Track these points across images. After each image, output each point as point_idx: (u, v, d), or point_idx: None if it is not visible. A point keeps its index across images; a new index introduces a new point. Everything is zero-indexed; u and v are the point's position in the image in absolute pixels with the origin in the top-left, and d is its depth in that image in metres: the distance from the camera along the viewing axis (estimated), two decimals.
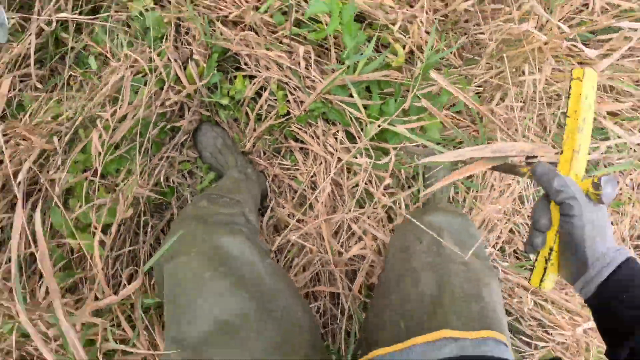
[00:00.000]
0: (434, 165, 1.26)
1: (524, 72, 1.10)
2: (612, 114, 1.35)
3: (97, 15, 1.09)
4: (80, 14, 1.12)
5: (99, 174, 0.91)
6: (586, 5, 1.04)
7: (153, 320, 0.79)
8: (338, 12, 0.84)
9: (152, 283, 0.90)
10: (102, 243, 0.84)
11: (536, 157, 0.57)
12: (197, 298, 0.58)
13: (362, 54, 0.89)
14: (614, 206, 1.54)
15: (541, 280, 0.50)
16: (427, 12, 0.99)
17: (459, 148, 1.16)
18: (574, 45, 0.93)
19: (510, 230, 1.34)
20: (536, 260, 0.51)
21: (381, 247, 1.02)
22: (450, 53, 1.04)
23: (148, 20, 1.07)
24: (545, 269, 0.49)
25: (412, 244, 0.76)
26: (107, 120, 0.94)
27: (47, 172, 0.90)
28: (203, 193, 0.87)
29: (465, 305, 0.62)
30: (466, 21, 1.15)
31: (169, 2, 1.08)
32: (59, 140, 0.94)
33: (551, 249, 0.48)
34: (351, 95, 0.99)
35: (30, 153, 0.84)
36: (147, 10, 1.09)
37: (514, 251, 1.33)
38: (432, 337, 0.57)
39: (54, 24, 1.05)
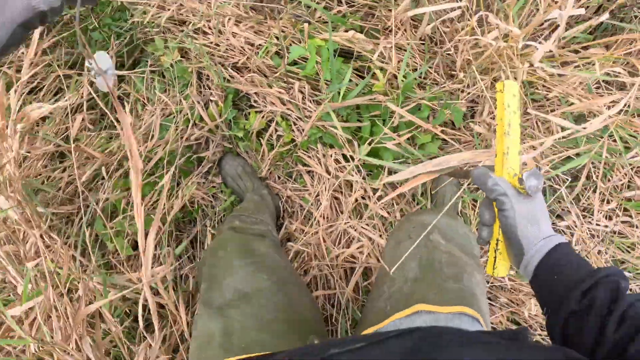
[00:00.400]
0: (441, 182, 1.34)
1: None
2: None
3: (136, 70, 1.33)
4: (123, 66, 1.37)
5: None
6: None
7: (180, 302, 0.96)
8: (315, 54, 1.00)
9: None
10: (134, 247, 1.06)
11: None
12: (226, 277, 0.76)
13: (343, 83, 1.03)
14: None
15: (493, 268, 0.57)
16: (408, 38, 1.11)
17: None
18: (528, 46, 1.00)
19: None
20: (488, 250, 0.58)
21: (377, 254, 1.12)
22: (433, 71, 1.15)
23: (176, 70, 1.29)
24: (495, 257, 0.57)
25: (403, 240, 0.84)
26: (141, 152, 1.15)
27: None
28: (233, 214, 1.06)
29: (443, 283, 0.68)
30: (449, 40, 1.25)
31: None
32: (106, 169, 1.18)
33: (498, 240, 0.56)
34: (344, 120, 1.13)
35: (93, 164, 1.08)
36: (175, 62, 1.31)
37: None
38: (408, 311, 0.63)
39: None
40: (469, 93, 1.13)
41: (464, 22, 1.11)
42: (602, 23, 1.34)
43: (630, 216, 1.55)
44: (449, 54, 1.14)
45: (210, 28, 1.24)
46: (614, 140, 1.42)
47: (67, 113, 1.27)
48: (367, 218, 1.15)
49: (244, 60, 1.18)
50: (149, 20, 1.27)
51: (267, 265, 0.80)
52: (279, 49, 1.13)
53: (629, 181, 1.51)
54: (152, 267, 0.81)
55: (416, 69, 1.13)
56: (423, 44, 1.16)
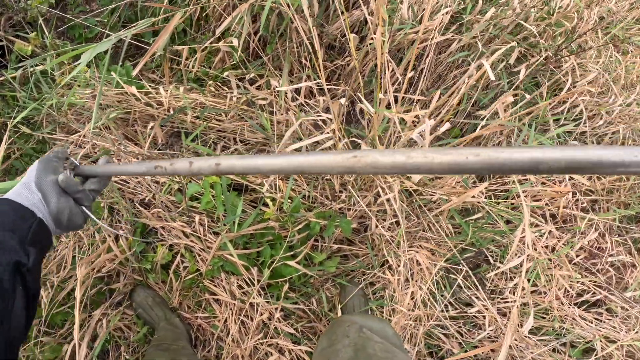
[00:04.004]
0: (348, 294, 1.40)
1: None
2: None
3: None
4: None
5: (46, 323, 1.20)
6: None
7: None
8: (209, 190, 1.11)
9: None
10: None
11: None
12: None
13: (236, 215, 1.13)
14: None
15: None
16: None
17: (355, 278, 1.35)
18: None
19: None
20: None
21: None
22: (320, 195, 1.29)
23: None
24: None
25: (338, 339, 0.88)
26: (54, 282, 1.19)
27: None
28: (153, 345, 1.12)
29: None
30: None
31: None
32: None
33: None
34: (244, 247, 1.22)
35: None
36: None
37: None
38: None
39: None
40: (356, 210, 1.26)
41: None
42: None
43: (536, 285, 1.68)
44: (328, 179, 1.29)
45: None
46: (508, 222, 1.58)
47: None
48: (275, 334, 1.20)
49: (150, 197, 1.27)
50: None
51: None
52: (180, 187, 1.24)
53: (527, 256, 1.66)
54: None
55: (305, 195, 1.26)
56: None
